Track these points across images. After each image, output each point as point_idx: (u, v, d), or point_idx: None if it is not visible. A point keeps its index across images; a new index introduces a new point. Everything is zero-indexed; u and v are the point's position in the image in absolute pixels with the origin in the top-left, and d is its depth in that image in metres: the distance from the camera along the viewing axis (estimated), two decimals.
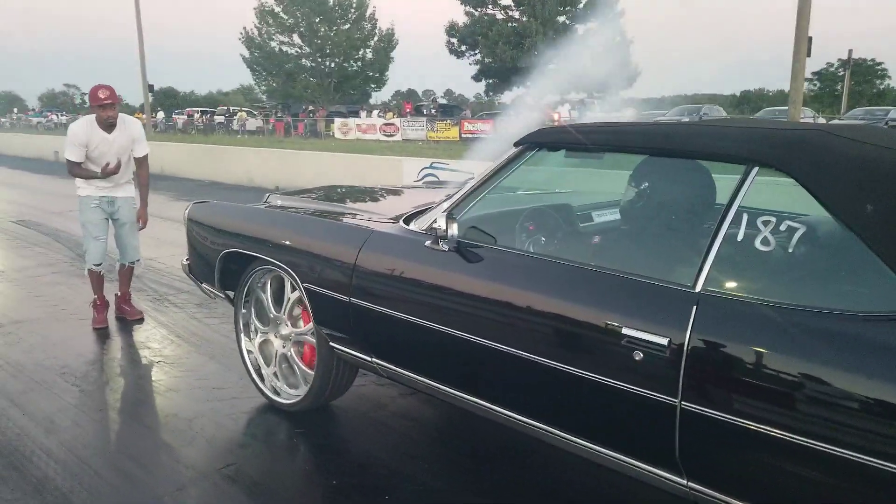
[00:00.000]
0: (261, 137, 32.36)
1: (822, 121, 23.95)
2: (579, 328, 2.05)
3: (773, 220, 1.89)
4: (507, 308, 2.23)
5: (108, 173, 4.34)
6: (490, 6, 41.76)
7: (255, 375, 3.38)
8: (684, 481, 1.92)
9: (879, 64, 51.92)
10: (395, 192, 4.47)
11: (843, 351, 1.61)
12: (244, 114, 40.35)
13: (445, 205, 2.56)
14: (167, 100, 63.57)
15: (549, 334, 2.13)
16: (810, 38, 13.36)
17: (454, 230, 2.36)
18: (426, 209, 2.85)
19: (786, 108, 23.21)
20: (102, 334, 4.43)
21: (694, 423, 1.82)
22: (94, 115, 4.33)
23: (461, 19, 41.62)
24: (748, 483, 1.82)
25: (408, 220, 2.78)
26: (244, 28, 47.19)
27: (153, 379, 3.73)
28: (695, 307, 1.83)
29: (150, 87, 32.90)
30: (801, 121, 15.86)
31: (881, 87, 53.47)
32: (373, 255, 2.65)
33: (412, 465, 2.80)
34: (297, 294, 3.07)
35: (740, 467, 1.82)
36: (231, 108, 45.85)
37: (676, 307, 1.86)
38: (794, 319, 1.70)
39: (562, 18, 40.50)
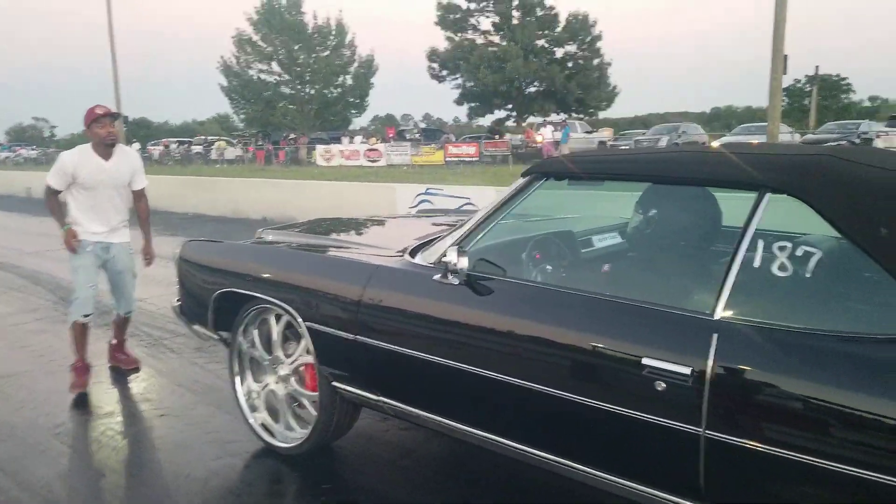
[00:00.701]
0: (241, 167, 32.17)
1: (797, 136, 24.38)
2: (598, 359, 2.02)
3: (789, 244, 1.88)
4: (523, 341, 2.19)
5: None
6: (470, 31, 42.36)
7: (252, 418, 3.28)
8: None
9: (844, 79, 53.23)
10: (388, 222, 4.43)
11: (866, 374, 1.60)
12: (223, 143, 40.24)
13: (454, 237, 2.53)
14: (140, 130, 63.15)
15: (567, 367, 2.09)
16: (786, 56, 13.63)
17: (464, 263, 2.32)
18: (431, 241, 2.81)
19: (761, 123, 23.66)
20: (98, 387, 4.11)
21: (719, 452, 1.80)
22: (89, 144, 4.03)
23: (441, 44, 42.11)
24: None
25: (413, 253, 2.74)
26: (221, 57, 47.34)
27: (157, 435, 3.45)
28: (716, 335, 1.81)
29: (125, 118, 32.77)
30: (781, 137, 16.13)
31: (846, 101, 54.74)
32: (379, 291, 2.60)
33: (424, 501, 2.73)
34: (283, 326, 3.02)
35: (765, 494, 1.80)
36: (208, 138, 45.68)
37: (697, 336, 1.84)
38: (815, 344, 1.69)
39: (541, 42, 41.10)
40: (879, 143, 19.14)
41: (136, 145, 43.12)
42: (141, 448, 3.35)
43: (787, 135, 22.36)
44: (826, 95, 48.22)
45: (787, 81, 14.97)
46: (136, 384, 4.21)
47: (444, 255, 2.39)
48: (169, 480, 2.99)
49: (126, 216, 4.33)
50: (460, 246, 2.38)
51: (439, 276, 2.44)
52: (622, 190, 3.52)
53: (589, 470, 2.12)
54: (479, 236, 2.50)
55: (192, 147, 41.22)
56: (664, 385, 1.85)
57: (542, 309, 2.21)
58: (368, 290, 2.62)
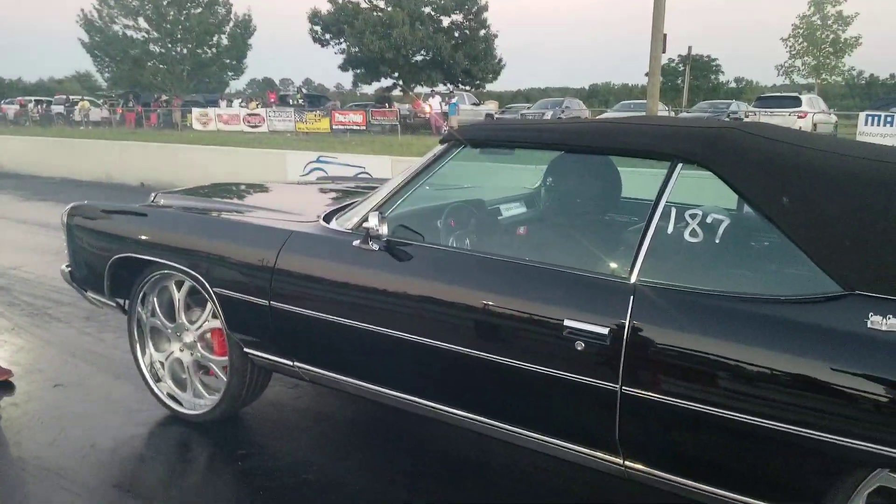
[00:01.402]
0: (109, 129, 30.05)
1: (672, 114, 25.86)
2: (520, 322, 2.10)
3: (700, 212, 2.03)
4: (444, 305, 2.24)
5: None
6: None
7: (157, 388, 3.16)
8: (621, 461, 2.03)
9: (714, 60, 56.66)
10: (287, 188, 4.35)
11: (768, 332, 1.76)
12: (87, 103, 37.27)
13: (373, 202, 2.52)
14: None
15: (490, 330, 2.16)
16: (665, 35, 14.37)
17: (385, 229, 2.33)
18: (345, 207, 2.79)
19: (640, 101, 24.88)
20: None
21: (633, 406, 1.92)
22: None
23: (324, 6, 40.84)
24: (681, 458, 1.96)
25: (327, 219, 2.71)
26: (82, 10, 43.61)
27: (54, 406, 3.25)
28: (632, 297, 1.93)
29: None
30: (660, 113, 17.05)
31: (715, 81, 58.41)
32: (295, 256, 2.55)
33: (344, 466, 2.75)
34: (185, 293, 2.94)
35: (674, 444, 1.96)
36: (70, 97, 42.19)
37: (614, 298, 1.96)
38: (723, 305, 1.84)
39: (427, 9, 40.78)
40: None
41: None
42: (37, 419, 3.14)
43: (663, 112, 23.69)
44: (697, 75, 51.26)
45: (663, 60, 15.79)
46: (25, 355, 3.93)
47: (365, 221, 2.39)
48: (73, 451, 2.84)
49: None
50: (380, 211, 2.38)
51: (359, 241, 2.43)
52: (527, 162, 3.65)
53: (512, 428, 2.21)
54: (398, 202, 2.51)
55: (53, 107, 37.92)
56: (583, 345, 1.96)
57: (465, 273, 2.26)
58: (283, 255, 2.57)
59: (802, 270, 1.81)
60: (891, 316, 1.61)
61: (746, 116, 22.03)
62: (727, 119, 21.99)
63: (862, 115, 17.45)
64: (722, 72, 57.06)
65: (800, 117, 20.12)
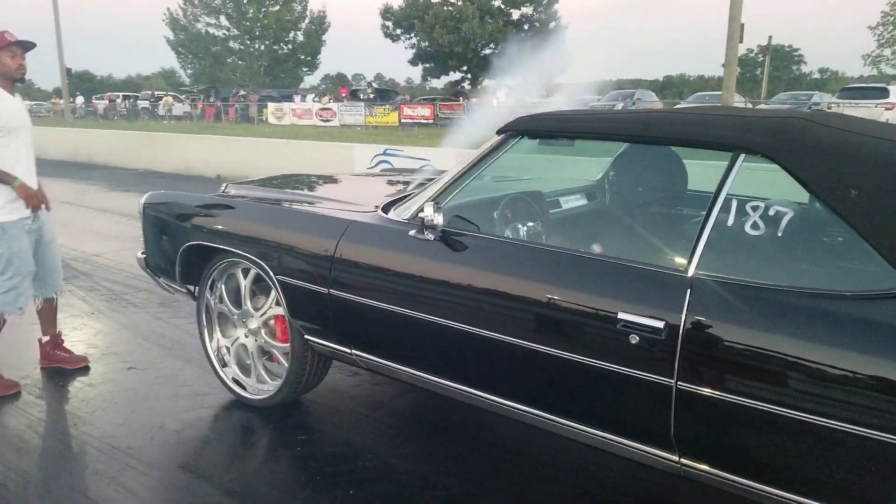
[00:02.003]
0: (189, 123, 31.30)
1: (750, 105, 24.90)
2: (574, 314, 2.08)
3: (762, 205, 1.96)
4: (499, 297, 2.24)
5: (35, 198, 3.42)
6: None
7: (222, 373, 3.29)
8: (677, 458, 1.98)
9: (796, 50, 54.36)
10: (353, 179, 4.42)
11: (832, 328, 1.69)
12: (170, 98, 38.93)
13: (429, 193, 2.54)
14: (83, 83, 60.52)
15: (544, 321, 2.15)
16: (742, 25, 13.85)
17: (440, 219, 2.34)
18: (404, 198, 2.82)
19: (716, 92, 24.07)
20: (65, 339, 3.82)
21: (689, 403, 1.88)
22: None
23: (396, 2, 41.24)
24: (738, 457, 1.90)
25: (386, 209, 2.75)
26: (168, 9, 45.49)
27: (126, 388, 3.41)
28: (689, 290, 1.88)
29: (67, 70, 31.33)
30: (737, 105, 16.46)
31: (797, 72, 55.96)
32: (353, 246, 2.60)
33: (398, 453, 2.79)
34: (251, 280, 3.03)
35: (731, 442, 1.90)
36: (155, 93, 44.12)
37: (671, 291, 1.91)
38: (783, 300, 1.77)
39: (497, 3, 40.58)
40: None
41: (80, 99, 41.50)
42: (111, 400, 3.30)
43: (740, 103, 22.84)
44: (778, 66, 49.27)
45: (740, 50, 15.24)
46: (102, 338, 4.14)
47: (421, 211, 2.41)
48: (142, 432, 2.98)
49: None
50: (436, 202, 2.40)
51: (415, 231, 2.46)
52: (587, 154, 3.60)
53: (564, 421, 2.19)
54: (454, 193, 2.52)
55: (139, 102, 39.74)
56: (637, 338, 1.92)
57: (520, 264, 2.25)
58: (342, 244, 2.62)
59: (870, 266, 1.72)
60: None
61: (829, 108, 20.98)
62: (808, 109, 21.05)
63: None
64: (804, 62, 54.76)
65: (887, 108, 19.03)
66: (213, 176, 11.94)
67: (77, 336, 4.13)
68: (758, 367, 1.77)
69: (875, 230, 1.72)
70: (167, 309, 4.59)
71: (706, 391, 1.84)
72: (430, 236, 2.39)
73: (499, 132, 2.55)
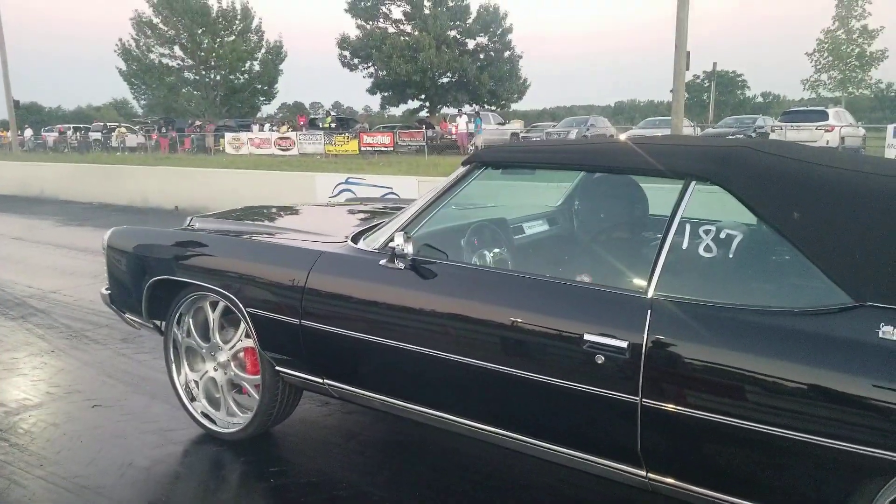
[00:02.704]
0: (144, 155, 30.83)
1: (698, 130, 25.70)
2: (542, 337, 2.16)
3: (713, 228, 2.08)
4: (471, 322, 2.31)
5: None
6: (381, 20, 42.07)
7: (191, 407, 3.27)
8: (644, 473, 2.07)
9: (740, 75, 56.38)
10: (316, 210, 4.46)
11: (782, 343, 1.80)
12: (123, 129, 38.35)
13: (398, 222, 2.61)
14: (31, 115, 59.24)
15: (514, 345, 2.22)
16: (688, 53, 14.40)
17: (410, 248, 2.41)
18: (372, 227, 2.88)
19: (665, 117, 24.80)
20: (23, 378, 3.95)
21: (654, 418, 1.97)
22: None
23: (352, 32, 41.64)
24: (702, 469, 1.99)
25: (355, 239, 2.80)
26: (120, 39, 44.93)
27: (92, 426, 3.35)
28: (649, 311, 1.98)
29: (15, 103, 30.67)
30: (684, 130, 17.03)
31: (741, 96, 58.00)
32: (325, 276, 2.65)
33: (372, 481, 2.82)
34: (220, 313, 3.04)
35: (695, 455, 1.99)
36: (107, 124, 43.37)
37: (632, 312, 2.01)
38: (738, 317, 1.88)
39: (452, 33, 41.32)
40: (774, 137, 20.51)
41: (29, 132, 40.56)
42: (76, 439, 3.24)
43: (688, 128, 23.57)
44: (723, 91, 50.98)
45: (687, 77, 15.79)
46: (64, 376, 4.06)
47: (391, 241, 2.47)
48: (111, 470, 2.94)
49: None
50: (405, 231, 2.47)
51: (385, 260, 2.52)
52: (545, 181, 3.72)
53: (535, 442, 2.26)
54: (423, 222, 2.59)
55: (91, 133, 39.02)
56: (603, 358, 2.01)
57: (489, 290, 2.33)
58: (314, 275, 2.67)
59: (815, 283, 1.85)
60: None
61: (773, 131, 21.80)
62: (753, 134, 21.80)
63: (890, 127, 17.21)
64: (748, 87, 56.85)
65: (827, 131, 19.87)
66: (171, 208, 11.80)
67: (38, 375, 4.05)
68: (715, 381, 1.87)
69: (817, 249, 1.85)
70: (130, 345, 4.53)
71: (669, 406, 1.93)
72: (401, 265, 2.46)
73: (464, 163, 2.65)
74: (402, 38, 40.43)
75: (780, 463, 1.82)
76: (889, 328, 1.65)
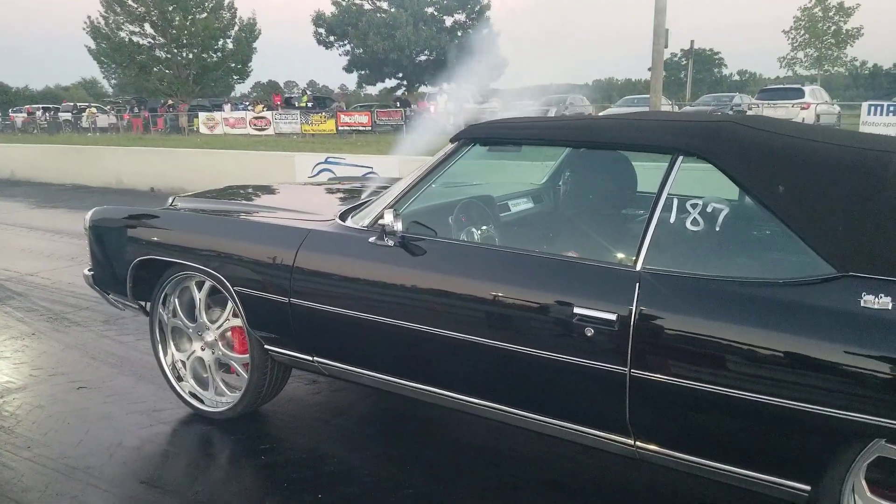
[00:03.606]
0: (116, 135, 30.31)
1: (676, 107, 25.82)
2: (532, 311, 2.19)
3: (700, 203, 2.12)
4: (461, 298, 2.33)
5: None
6: None
7: (178, 387, 3.27)
8: (632, 442, 2.12)
9: (717, 53, 56.65)
10: (299, 189, 4.45)
11: (767, 313, 1.85)
12: (94, 110, 37.63)
13: (387, 200, 2.62)
14: None
15: (504, 319, 2.25)
16: (667, 31, 14.44)
17: (399, 225, 2.42)
18: (360, 205, 2.89)
19: (642, 95, 24.90)
20: (5, 362, 3.91)
21: (642, 389, 2.02)
22: None
23: (328, 9, 41.04)
24: (688, 437, 2.05)
25: (343, 217, 2.81)
26: (89, 17, 43.82)
27: (79, 408, 3.32)
28: (638, 284, 2.02)
29: None
30: (662, 108, 17.11)
31: (718, 74, 58.35)
32: (314, 254, 2.65)
33: (362, 456, 2.85)
34: (206, 293, 3.03)
35: (681, 423, 2.05)
36: (77, 104, 42.48)
37: (621, 285, 2.05)
38: (723, 289, 1.93)
39: (430, 10, 40.91)
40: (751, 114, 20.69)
41: None
42: (63, 420, 3.22)
43: (667, 106, 23.67)
44: (700, 69, 51.24)
45: (665, 55, 15.84)
46: (46, 359, 4.02)
47: (381, 218, 2.48)
48: (99, 450, 2.93)
49: None
50: (394, 209, 2.48)
51: (375, 237, 2.53)
52: (530, 159, 3.74)
53: (526, 414, 2.30)
54: (412, 200, 2.60)
55: (60, 114, 38.21)
56: (592, 331, 2.05)
57: (477, 266, 2.36)
58: (302, 253, 2.67)
59: (799, 255, 1.90)
60: (882, 295, 1.70)
61: (749, 108, 21.99)
62: (730, 111, 21.99)
63: (865, 104, 17.42)
64: (725, 65, 57.24)
65: (803, 108, 20.12)
66: (147, 189, 11.65)
67: (20, 358, 4.01)
68: (701, 351, 1.92)
69: (801, 222, 1.90)
70: (112, 327, 4.49)
71: (657, 377, 1.98)
72: (391, 242, 2.47)
73: (452, 140, 2.65)
74: (378, 14, 39.98)
75: (765, 429, 1.88)
76: (870, 297, 1.71)
